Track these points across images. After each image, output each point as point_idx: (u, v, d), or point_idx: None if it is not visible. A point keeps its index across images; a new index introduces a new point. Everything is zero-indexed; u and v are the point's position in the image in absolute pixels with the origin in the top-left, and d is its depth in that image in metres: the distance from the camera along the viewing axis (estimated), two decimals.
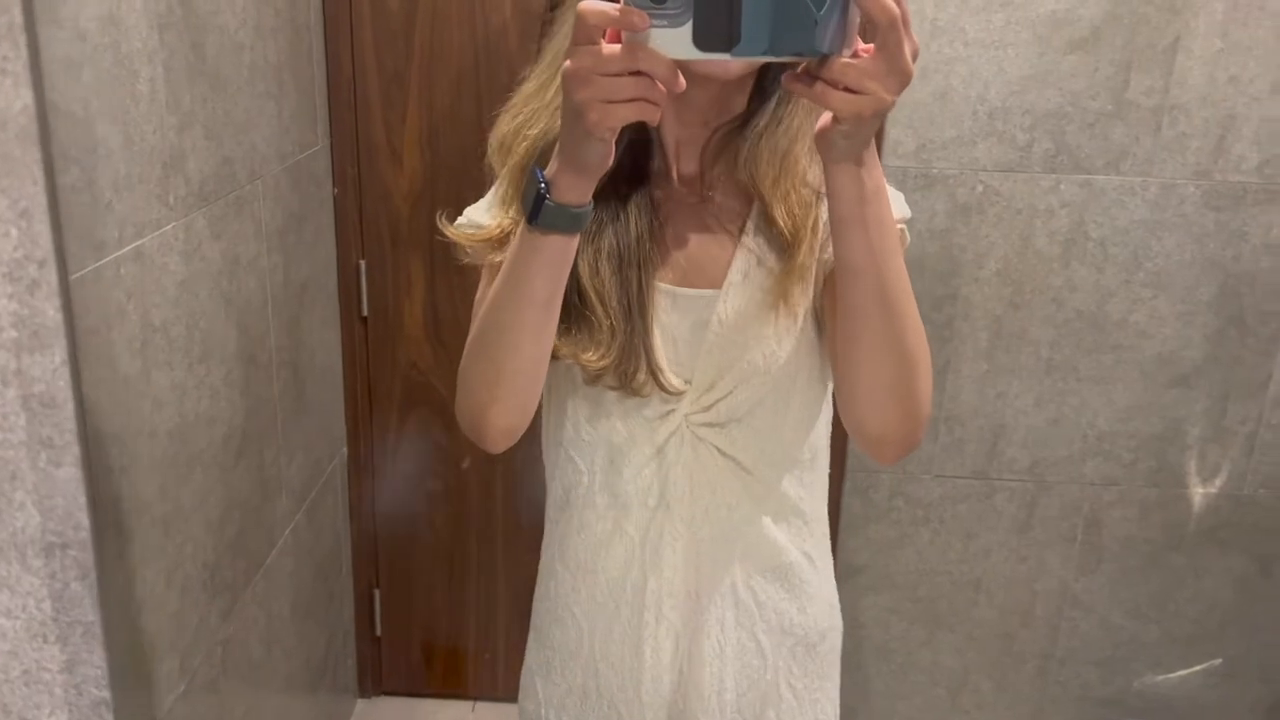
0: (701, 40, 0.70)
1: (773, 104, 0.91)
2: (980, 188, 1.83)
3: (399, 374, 2.04)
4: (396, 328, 2.01)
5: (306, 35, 1.73)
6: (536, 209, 0.80)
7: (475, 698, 2.24)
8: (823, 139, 0.77)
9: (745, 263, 0.93)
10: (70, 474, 0.87)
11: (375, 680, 2.23)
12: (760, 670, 1.04)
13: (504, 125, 0.94)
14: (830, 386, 0.99)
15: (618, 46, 0.71)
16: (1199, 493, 1.96)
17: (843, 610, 1.11)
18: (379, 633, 2.20)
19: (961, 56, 1.76)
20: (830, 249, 0.86)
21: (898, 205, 0.92)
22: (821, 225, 0.92)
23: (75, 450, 0.87)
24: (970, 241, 1.86)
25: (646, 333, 0.92)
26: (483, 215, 0.97)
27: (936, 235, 1.85)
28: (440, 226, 0.97)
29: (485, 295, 0.92)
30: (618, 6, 0.70)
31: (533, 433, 0.99)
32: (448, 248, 2.02)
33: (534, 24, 1.69)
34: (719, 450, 0.97)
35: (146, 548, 1.22)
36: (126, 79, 1.13)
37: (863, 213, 0.79)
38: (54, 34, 1.00)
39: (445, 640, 2.21)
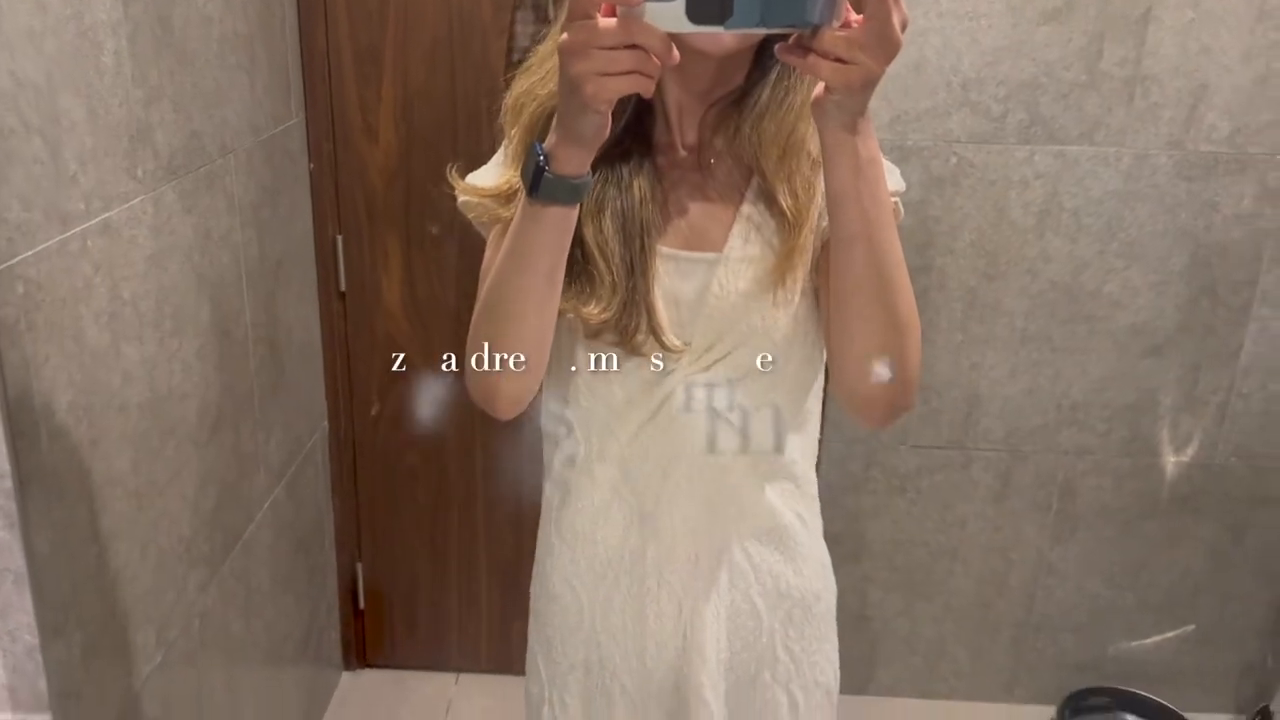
0: (694, 13, 0.72)
1: (772, 77, 0.93)
2: (954, 159, 1.83)
3: (378, 349, 2.04)
4: (375, 303, 2.01)
5: (279, 9, 1.72)
6: (536, 181, 0.81)
7: (459, 670, 2.25)
8: (817, 108, 0.79)
9: (745, 229, 0.95)
10: None
11: (359, 654, 2.25)
12: (755, 633, 1.06)
13: (519, 86, 0.96)
14: (824, 353, 1.01)
15: (613, 20, 0.72)
16: (1172, 461, 1.98)
17: None
18: (362, 606, 2.22)
19: (935, 27, 1.76)
20: (827, 218, 0.88)
21: (892, 179, 0.95)
22: (819, 196, 0.93)
23: None
24: (945, 213, 1.87)
25: (648, 290, 0.94)
26: (489, 173, 0.98)
27: (911, 207, 1.86)
28: (450, 179, 0.98)
29: (490, 265, 0.94)
30: None
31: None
32: (424, 223, 2.03)
33: None
34: (715, 413, 0.98)
35: (119, 520, 1.23)
36: (90, 51, 1.13)
37: (857, 181, 0.81)
38: (15, 4, 1.00)
39: (428, 613, 2.23)
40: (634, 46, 0.72)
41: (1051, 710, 2.07)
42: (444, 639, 2.24)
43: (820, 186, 0.92)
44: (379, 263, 1.99)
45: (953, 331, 1.93)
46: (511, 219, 0.89)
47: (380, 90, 1.89)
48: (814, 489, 1.09)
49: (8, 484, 0.89)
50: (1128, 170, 1.81)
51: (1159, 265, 1.86)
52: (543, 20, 1.79)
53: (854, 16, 0.73)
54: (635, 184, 0.93)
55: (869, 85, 0.75)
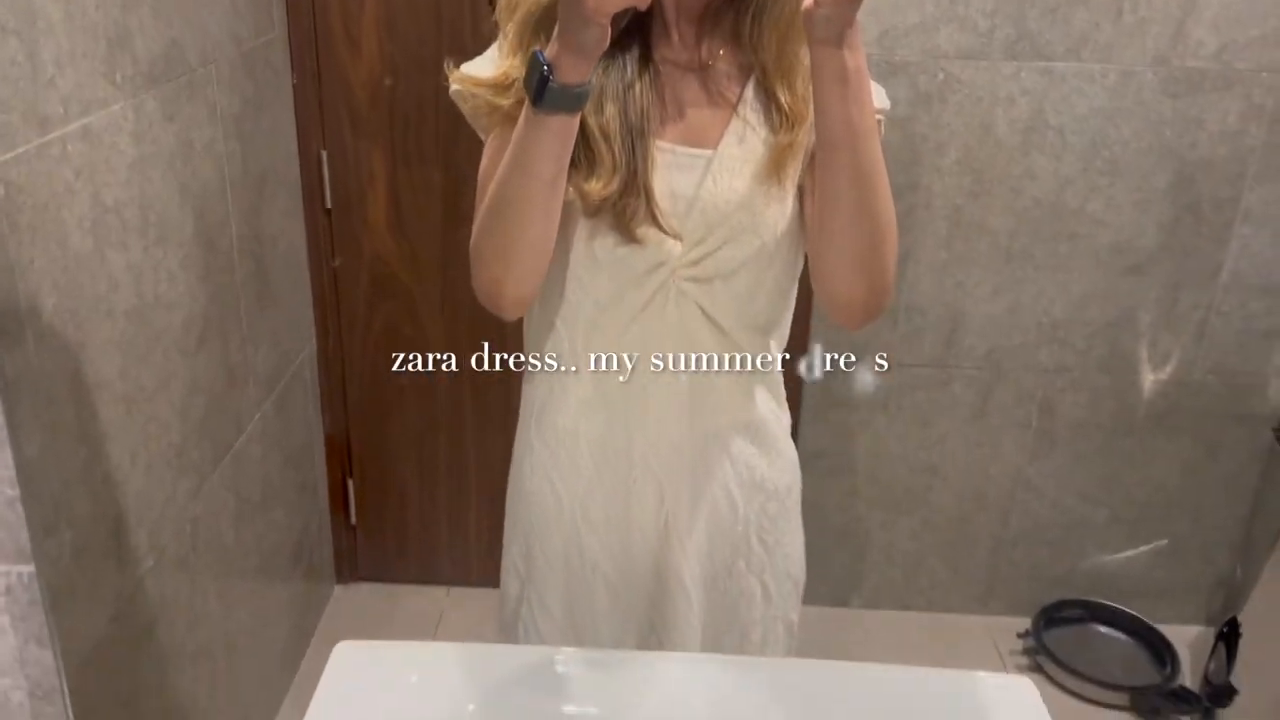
0: None
1: None
2: (942, 75, 1.83)
3: (365, 266, 2.05)
4: (360, 220, 2.01)
5: None
6: (541, 91, 0.84)
7: (449, 583, 2.31)
8: (807, 19, 0.83)
9: (740, 128, 0.98)
10: None
11: (352, 567, 2.30)
12: (731, 523, 1.10)
13: None
14: (802, 259, 1.04)
15: None
16: (1150, 379, 2.01)
17: (803, 494, 1.17)
18: (354, 521, 2.26)
19: None
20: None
21: (878, 97, 0.96)
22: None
23: None
24: (931, 130, 1.87)
25: (647, 172, 0.96)
26: (484, 65, 0.99)
27: (898, 124, 1.86)
28: (446, 72, 0.99)
29: (489, 169, 0.96)
30: None
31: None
32: (409, 138, 2.02)
33: None
34: (700, 308, 1.01)
35: (107, 424, 1.25)
36: None
37: (843, 91, 0.85)
38: None
39: (419, 528, 2.27)
40: None
41: (1026, 622, 2.13)
42: (434, 553, 2.29)
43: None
44: (364, 179, 1.99)
45: (937, 250, 1.94)
46: (506, 111, 0.93)
47: (363, 3, 1.87)
48: (782, 389, 1.12)
49: None
50: (1113, 87, 1.81)
51: (1142, 183, 1.87)
52: None
53: None
54: (636, 79, 0.96)
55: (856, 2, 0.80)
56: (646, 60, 0.96)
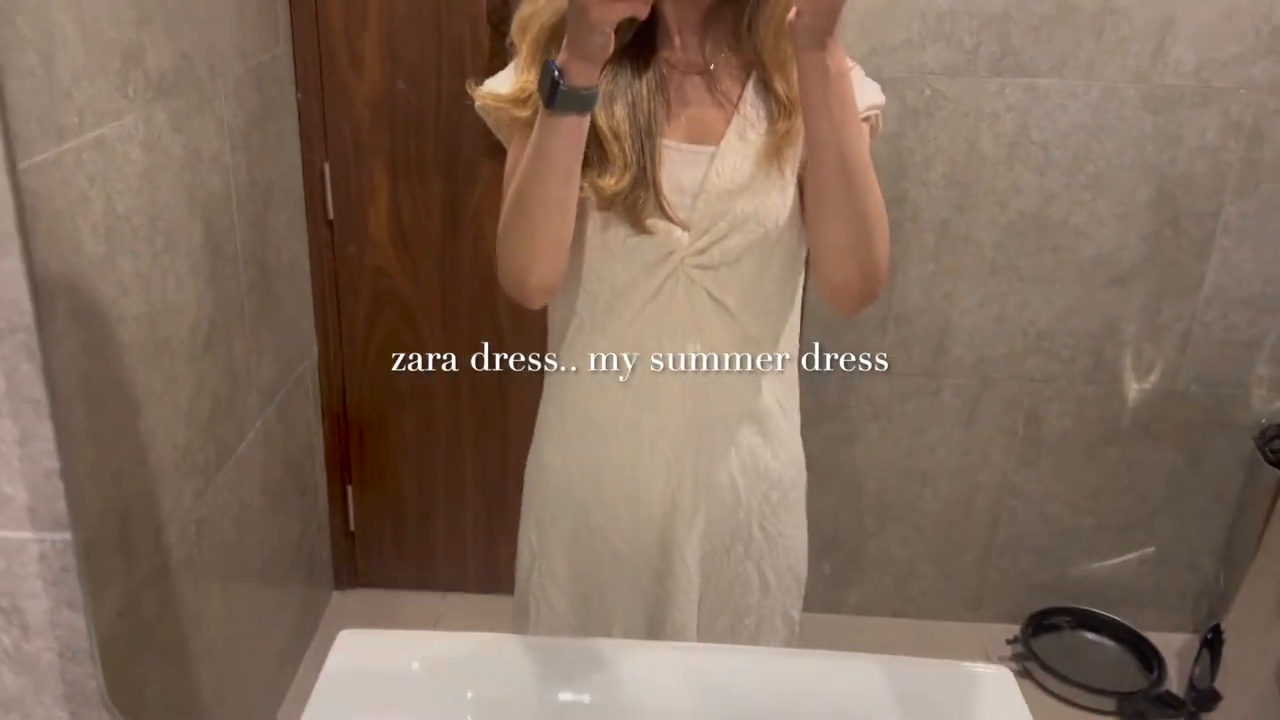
0: None
1: None
2: (929, 91, 1.88)
3: (365, 277, 2.09)
4: (362, 231, 2.06)
5: None
6: (553, 94, 0.94)
7: (446, 589, 2.34)
8: (792, 29, 0.92)
9: (741, 125, 1.06)
10: (13, 267, 0.97)
11: (350, 573, 2.33)
12: (733, 508, 1.16)
13: (524, 10, 1.08)
14: (805, 247, 1.11)
15: None
16: (1134, 388, 2.06)
17: None
18: (353, 528, 2.29)
19: None
20: None
21: (873, 93, 1.07)
22: None
23: (17, 244, 0.97)
24: (918, 145, 1.91)
25: (655, 168, 1.05)
26: (503, 81, 1.10)
27: (886, 139, 1.90)
28: (469, 91, 1.10)
29: (512, 171, 1.06)
30: None
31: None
32: (410, 151, 2.06)
33: None
34: (709, 294, 1.08)
35: (116, 423, 1.29)
36: None
37: (826, 93, 0.94)
38: None
39: (417, 534, 2.31)
40: None
41: (1016, 628, 2.16)
42: (432, 559, 2.32)
43: None
44: (365, 192, 2.03)
45: (925, 262, 1.99)
46: (525, 120, 1.03)
47: (366, 21, 1.92)
48: (795, 381, 1.19)
49: (29, 320, 0.98)
50: (1095, 103, 1.86)
51: (1124, 197, 1.91)
52: None
53: None
54: (644, 81, 1.05)
55: (834, 9, 0.89)
56: (653, 65, 1.06)
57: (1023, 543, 2.19)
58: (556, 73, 0.93)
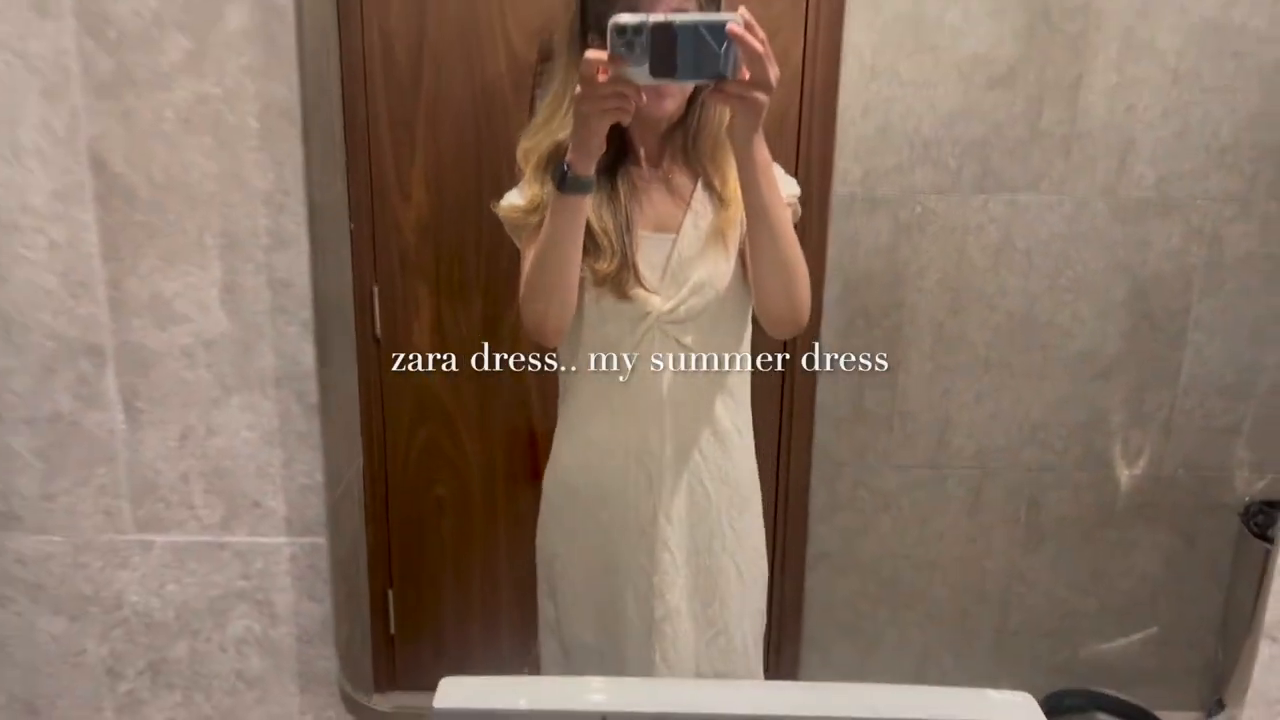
0: (654, 72, 1.25)
1: (699, 110, 1.51)
2: (919, 208, 2.09)
3: (409, 389, 2.26)
4: (406, 346, 2.23)
5: (328, 92, 1.98)
6: (563, 181, 1.37)
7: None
8: (729, 131, 1.37)
9: (693, 217, 1.53)
10: (297, 330, 1.49)
11: (390, 676, 2.41)
12: (706, 510, 1.59)
13: (526, 142, 1.57)
14: (750, 297, 1.53)
15: (606, 76, 1.26)
16: (1125, 474, 2.21)
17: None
18: (393, 631, 2.39)
19: (898, 96, 2.03)
20: None
21: (791, 185, 1.55)
22: None
23: (304, 315, 1.49)
24: (913, 256, 2.12)
25: (633, 253, 1.50)
26: (518, 196, 1.60)
27: (882, 252, 2.11)
28: (493, 209, 1.61)
29: (527, 253, 1.53)
30: (605, 54, 1.25)
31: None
32: (452, 274, 2.27)
33: (525, 74, 1.97)
34: (678, 341, 1.53)
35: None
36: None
37: (755, 174, 1.37)
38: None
39: (455, 637, 2.40)
40: (619, 93, 1.26)
41: None
42: (469, 661, 2.41)
43: None
44: (410, 311, 2.22)
45: (924, 361, 2.17)
46: (534, 224, 1.48)
47: (413, 158, 2.14)
48: (748, 410, 1.62)
49: (305, 369, 1.54)
50: (1070, 214, 2.07)
51: (1102, 297, 2.11)
52: None
53: (747, 73, 1.26)
54: (621, 191, 1.51)
55: (758, 112, 1.29)
56: (626, 178, 1.52)
57: (1033, 626, 2.30)
58: (566, 167, 1.34)
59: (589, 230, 1.42)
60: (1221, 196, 2.05)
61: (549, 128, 1.49)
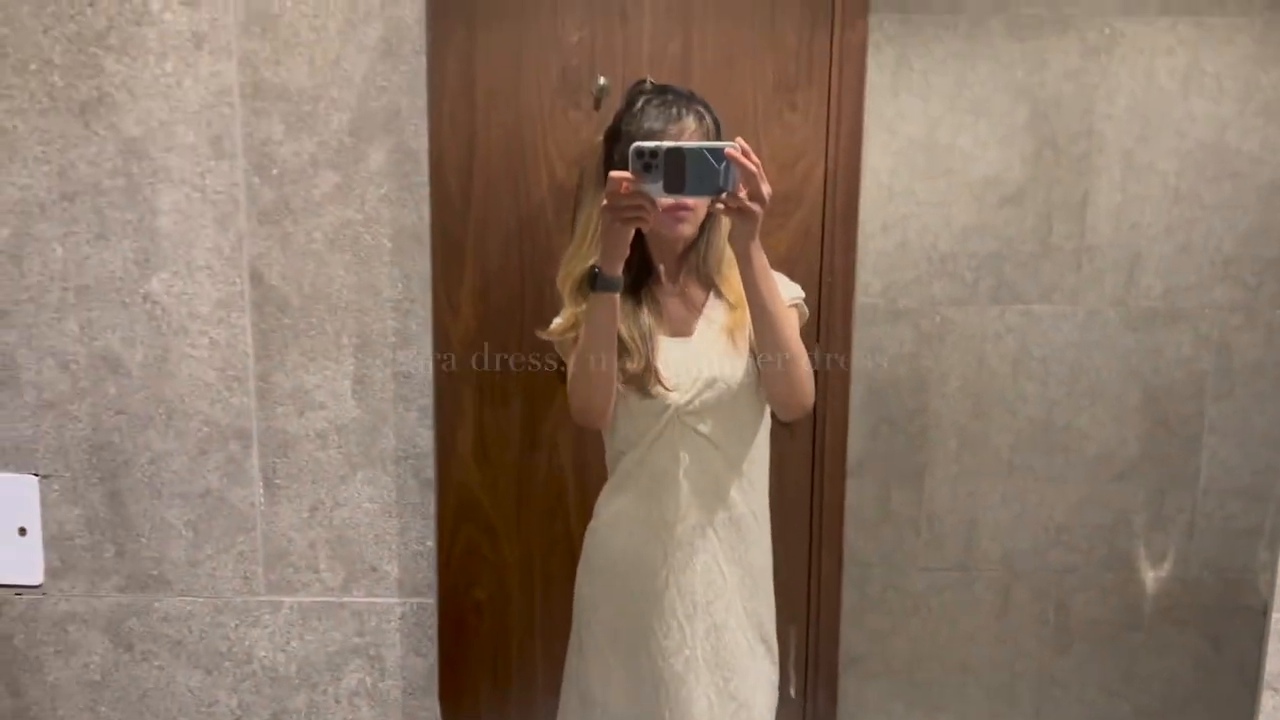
0: (668, 188, 1.48)
1: (708, 227, 1.71)
2: (939, 319, 2.21)
3: (451, 491, 2.35)
4: (450, 452, 2.34)
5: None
6: (594, 280, 1.58)
7: None
8: (731, 239, 1.58)
9: (705, 323, 1.72)
10: (416, 416, 1.79)
11: None
12: (721, 589, 1.71)
13: (563, 270, 1.77)
14: (763, 391, 1.68)
15: (629, 191, 1.48)
16: (1150, 576, 2.25)
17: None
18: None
19: (915, 214, 2.17)
20: None
21: (792, 290, 1.71)
22: None
23: (422, 402, 1.78)
24: (935, 364, 2.22)
25: (654, 359, 1.69)
26: (559, 319, 1.78)
27: (905, 360, 2.22)
28: (539, 334, 1.82)
29: (570, 355, 1.70)
30: (629, 174, 1.48)
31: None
32: (495, 384, 2.38)
33: (567, 199, 2.13)
34: (696, 431, 1.69)
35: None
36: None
37: (756, 278, 1.55)
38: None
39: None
40: (640, 205, 1.47)
41: None
42: None
43: None
44: (455, 418, 2.33)
45: (949, 465, 2.25)
46: (574, 338, 1.68)
47: (462, 276, 2.28)
48: (764, 494, 1.76)
49: (422, 450, 1.80)
50: (1083, 324, 2.18)
51: (1117, 402, 2.20)
52: None
53: (744, 189, 1.46)
54: (644, 304, 1.71)
55: (755, 220, 1.48)
56: (648, 292, 1.73)
57: None
58: (597, 269, 1.56)
59: (621, 339, 1.62)
60: (1227, 306, 2.16)
61: (580, 253, 1.70)
